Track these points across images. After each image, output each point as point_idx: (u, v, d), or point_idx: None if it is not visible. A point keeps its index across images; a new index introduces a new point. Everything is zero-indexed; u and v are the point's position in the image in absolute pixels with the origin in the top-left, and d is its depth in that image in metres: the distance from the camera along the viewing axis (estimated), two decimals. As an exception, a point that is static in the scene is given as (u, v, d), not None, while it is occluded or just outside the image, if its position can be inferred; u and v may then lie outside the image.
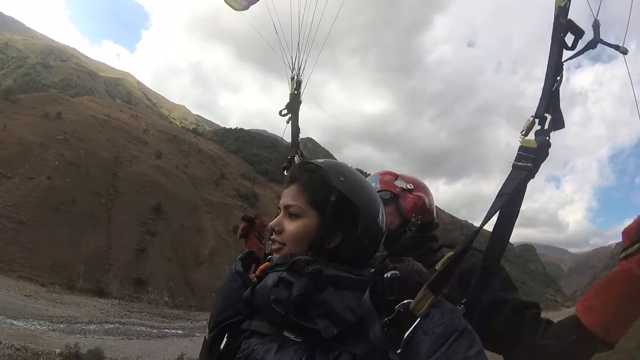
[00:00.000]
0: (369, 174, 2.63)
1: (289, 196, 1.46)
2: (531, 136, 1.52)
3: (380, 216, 1.47)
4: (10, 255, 43.16)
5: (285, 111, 2.85)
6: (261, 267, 1.39)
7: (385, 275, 1.28)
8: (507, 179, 1.49)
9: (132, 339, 31.96)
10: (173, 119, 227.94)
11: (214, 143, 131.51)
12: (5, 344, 23.51)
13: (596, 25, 1.62)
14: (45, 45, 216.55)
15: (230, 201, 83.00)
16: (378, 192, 2.21)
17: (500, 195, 1.45)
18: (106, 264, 50.99)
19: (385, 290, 1.25)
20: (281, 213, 1.47)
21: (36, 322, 29.64)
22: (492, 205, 1.45)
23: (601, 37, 1.61)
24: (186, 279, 55.85)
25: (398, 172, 2.54)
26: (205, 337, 1.54)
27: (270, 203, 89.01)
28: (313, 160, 1.53)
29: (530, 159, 1.46)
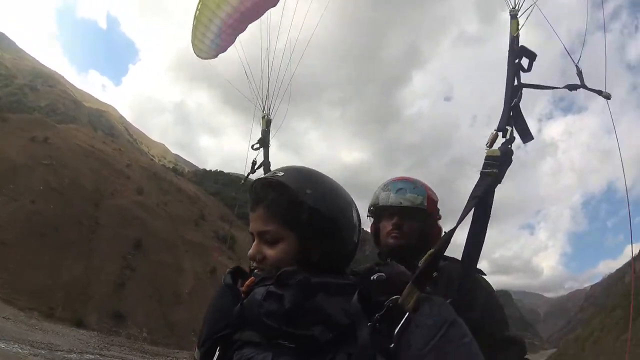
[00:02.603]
0: None
1: (259, 221, 1.44)
2: (496, 147, 1.70)
3: (354, 216, 1.48)
4: (-10, 276, 42.31)
5: (257, 145, 3.08)
6: (247, 282, 1.40)
7: (371, 277, 1.31)
8: (476, 184, 1.62)
9: (115, 371, 31.51)
10: (152, 156, 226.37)
11: (193, 184, 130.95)
12: (-8, 364, 22.92)
13: (580, 73, 1.80)
14: (33, 68, 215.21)
15: (208, 242, 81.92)
16: (420, 205, 2.40)
17: (471, 198, 1.58)
18: (85, 295, 49.94)
19: (373, 292, 1.29)
20: (256, 240, 1.46)
21: (17, 346, 28.68)
22: (465, 207, 1.56)
23: (585, 83, 1.80)
24: (165, 317, 55.03)
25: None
26: (194, 356, 1.54)
27: (249, 247, 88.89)
28: (273, 175, 1.47)
29: (495, 166, 1.62)
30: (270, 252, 1.40)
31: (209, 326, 1.47)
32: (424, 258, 1.37)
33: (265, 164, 3.00)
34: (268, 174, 1.50)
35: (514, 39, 1.78)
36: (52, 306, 44.77)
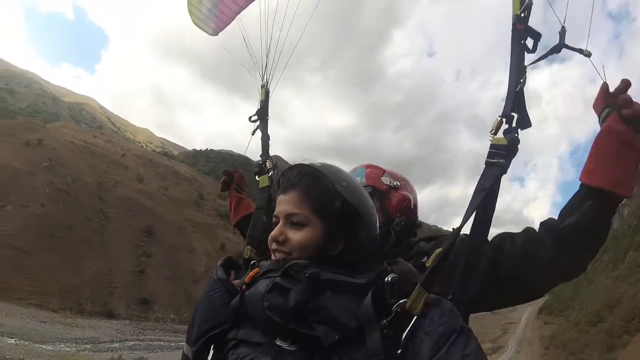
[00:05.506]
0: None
1: (289, 204, 1.40)
2: (500, 135, 1.56)
3: (376, 220, 1.48)
4: (17, 284, 43.83)
5: (255, 117, 2.80)
6: (251, 274, 1.35)
7: (385, 279, 1.28)
8: (482, 175, 1.51)
9: (156, 351, 33.11)
10: (139, 142, 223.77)
11: (186, 165, 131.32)
12: (54, 363, 24.36)
13: (562, 32, 1.66)
14: (6, 70, 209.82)
15: (212, 221, 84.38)
16: (363, 187, 2.00)
17: (477, 191, 1.48)
18: (109, 287, 51.89)
19: (385, 295, 1.25)
20: (281, 222, 1.41)
21: (63, 345, 30.40)
22: (470, 202, 1.47)
23: (566, 43, 1.65)
24: (187, 296, 56.59)
25: (385, 168, 2.43)
26: (183, 351, 1.50)
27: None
28: (311, 164, 1.46)
29: (502, 155, 1.50)
30: (294, 236, 1.37)
31: (200, 323, 1.45)
32: (431, 257, 1.37)
33: (264, 138, 2.76)
34: (306, 162, 1.48)
35: (517, 18, 1.66)
36: (80, 302, 46.48)
